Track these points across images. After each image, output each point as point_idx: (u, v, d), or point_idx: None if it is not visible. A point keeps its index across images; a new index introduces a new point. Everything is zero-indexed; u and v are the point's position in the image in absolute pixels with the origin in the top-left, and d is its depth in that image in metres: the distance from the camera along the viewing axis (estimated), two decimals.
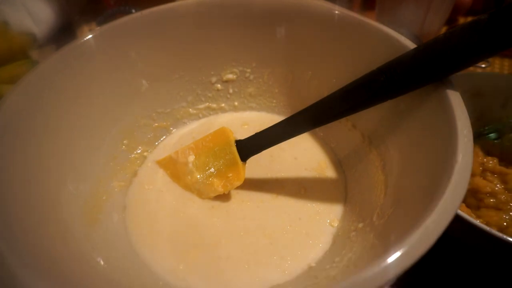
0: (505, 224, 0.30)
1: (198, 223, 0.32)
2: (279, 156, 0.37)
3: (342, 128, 0.36)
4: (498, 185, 0.34)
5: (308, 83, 0.37)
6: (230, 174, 0.32)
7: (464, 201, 0.33)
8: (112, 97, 0.33)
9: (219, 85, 0.40)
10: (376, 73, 0.24)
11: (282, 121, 0.30)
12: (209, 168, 0.33)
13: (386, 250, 0.16)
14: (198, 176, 0.34)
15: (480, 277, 0.30)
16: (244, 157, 0.32)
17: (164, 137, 0.40)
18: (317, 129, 0.38)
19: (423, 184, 0.22)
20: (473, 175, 0.34)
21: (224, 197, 0.33)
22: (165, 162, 0.36)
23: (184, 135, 0.40)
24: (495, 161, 0.35)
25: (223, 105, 0.41)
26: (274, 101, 0.41)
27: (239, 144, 0.32)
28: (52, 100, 0.28)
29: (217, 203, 0.33)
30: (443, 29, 0.56)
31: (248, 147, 0.32)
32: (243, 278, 0.28)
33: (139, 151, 0.37)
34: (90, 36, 0.31)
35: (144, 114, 0.37)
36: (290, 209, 0.32)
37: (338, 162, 0.36)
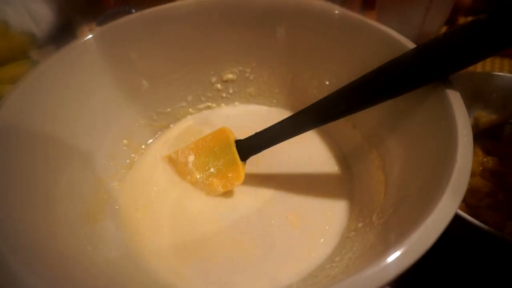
0: (504, 223, 0.31)
1: (199, 223, 0.32)
2: (279, 155, 0.36)
3: (342, 128, 0.36)
4: (497, 185, 0.34)
5: (308, 83, 0.37)
6: (230, 174, 0.32)
7: (464, 200, 0.33)
8: (112, 97, 0.33)
9: (219, 85, 0.40)
10: (376, 73, 0.24)
11: (282, 121, 0.30)
12: (209, 168, 0.34)
13: (386, 250, 0.16)
14: (198, 176, 0.34)
15: (480, 276, 0.30)
16: (244, 156, 0.32)
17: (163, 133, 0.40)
18: (316, 129, 0.38)
19: (423, 184, 0.22)
20: (473, 175, 0.34)
21: (225, 197, 0.33)
22: (170, 158, 0.36)
23: (186, 129, 0.40)
24: (495, 161, 0.35)
25: (223, 105, 0.42)
26: (274, 101, 0.41)
27: (239, 143, 0.32)
28: (52, 100, 0.28)
29: (218, 203, 0.33)
30: (443, 29, 0.56)
31: (248, 147, 0.32)
32: (244, 278, 0.28)
33: (139, 151, 0.37)
34: (90, 36, 0.31)
35: (144, 114, 0.37)
36: (291, 208, 0.32)
37: (338, 162, 0.36)
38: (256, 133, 0.32)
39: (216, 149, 0.33)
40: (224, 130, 0.33)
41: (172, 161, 0.36)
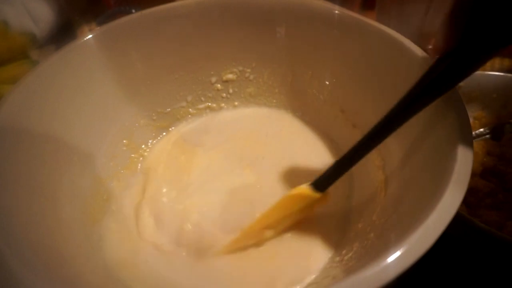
0: (504, 223, 0.31)
1: (199, 223, 0.31)
2: (278, 157, 0.36)
3: (342, 128, 0.35)
4: (497, 185, 0.34)
5: (308, 83, 0.37)
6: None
7: (464, 200, 0.33)
8: (112, 97, 0.33)
9: (219, 85, 0.40)
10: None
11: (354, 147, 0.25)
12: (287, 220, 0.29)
13: (386, 249, 0.16)
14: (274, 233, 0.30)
15: (480, 276, 0.30)
16: (322, 188, 0.27)
17: (164, 134, 0.40)
18: (316, 129, 0.38)
19: (423, 184, 0.22)
20: (473, 175, 0.34)
21: (224, 197, 0.33)
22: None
23: (185, 133, 0.40)
24: (495, 161, 0.35)
25: (223, 105, 0.42)
26: (274, 101, 0.41)
27: (316, 184, 0.27)
28: (52, 100, 0.28)
29: (218, 205, 0.33)
30: None
31: (324, 182, 0.27)
32: (243, 278, 0.28)
33: (139, 151, 0.37)
34: (90, 36, 0.31)
35: (144, 114, 0.37)
36: None
37: None
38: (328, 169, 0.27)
39: (295, 208, 0.28)
40: (300, 195, 0.27)
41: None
